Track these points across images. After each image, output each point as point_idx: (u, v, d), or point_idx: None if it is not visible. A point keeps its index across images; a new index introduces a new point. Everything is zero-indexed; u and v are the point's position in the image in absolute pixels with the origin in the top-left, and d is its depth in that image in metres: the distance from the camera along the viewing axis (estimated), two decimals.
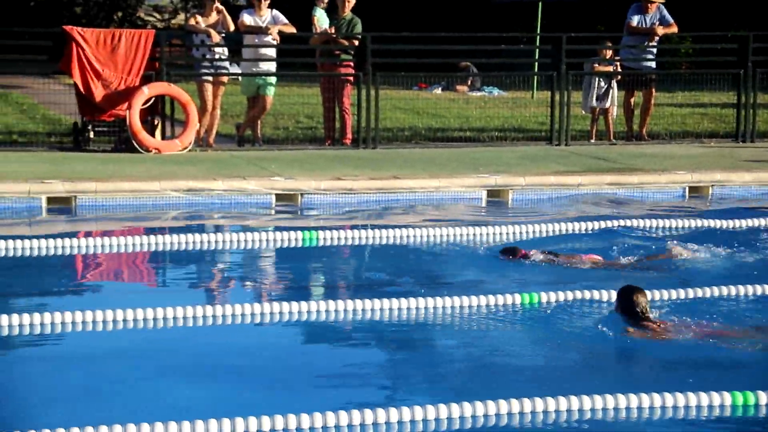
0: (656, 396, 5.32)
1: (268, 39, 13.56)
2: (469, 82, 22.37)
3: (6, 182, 10.39)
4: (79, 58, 12.73)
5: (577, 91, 15.18)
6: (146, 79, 12.92)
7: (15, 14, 29.59)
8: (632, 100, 15.01)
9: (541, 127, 15.62)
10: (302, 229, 9.27)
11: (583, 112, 15.70)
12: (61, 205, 10.22)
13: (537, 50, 17.50)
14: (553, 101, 14.42)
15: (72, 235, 9.04)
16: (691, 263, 8.20)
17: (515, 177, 11.54)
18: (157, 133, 13.05)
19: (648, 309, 6.47)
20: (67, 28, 12.98)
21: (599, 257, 8.24)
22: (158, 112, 13.12)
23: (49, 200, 10.21)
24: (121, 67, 12.87)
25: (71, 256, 8.65)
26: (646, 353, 6.27)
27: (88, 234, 9.37)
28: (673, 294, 7.24)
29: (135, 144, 12.69)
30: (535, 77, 18.62)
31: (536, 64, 17.89)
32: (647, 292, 6.63)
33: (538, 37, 18.70)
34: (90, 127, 13.05)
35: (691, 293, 7.29)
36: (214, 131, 13.73)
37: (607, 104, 14.86)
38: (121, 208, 10.34)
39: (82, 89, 12.81)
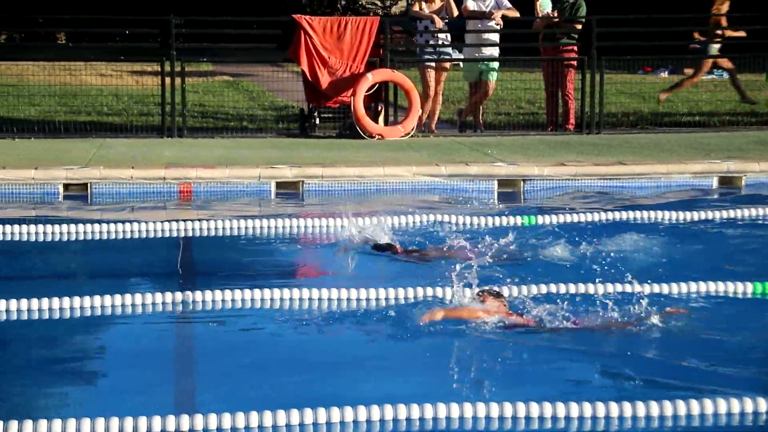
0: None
1: (492, 24, 13.50)
2: None
3: (238, 167, 10.80)
4: (306, 46, 13.05)
5: None
6: (370, 66, 13.12)
7: (244, 4, 30.71)
8: None
9: None
10: (523, 213, 9.19)
11: None
12: (289, 190, 10.52)
13: None
14: None
15: (299, 216, 9.30)
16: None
17: (749, 163, 11.04)
18: (380, 119, 13.24)
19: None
20: (296, 16, 13.32)
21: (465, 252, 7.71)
22: (382, 99, 13.31)
23: (278, 185, 10.53)
24: (347, 54, 13.10)
25: (299, 237, 8.89)
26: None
27: (314, 216, 9.59)
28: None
29: (359, 130, 12.92)
30: None
31: None
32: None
33: None
34: (316, 114, 13.37)
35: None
36: (436, 117, 13.81)
37: None
38: (347, 193, 10.54)
39: (309, 76, 13.13)
